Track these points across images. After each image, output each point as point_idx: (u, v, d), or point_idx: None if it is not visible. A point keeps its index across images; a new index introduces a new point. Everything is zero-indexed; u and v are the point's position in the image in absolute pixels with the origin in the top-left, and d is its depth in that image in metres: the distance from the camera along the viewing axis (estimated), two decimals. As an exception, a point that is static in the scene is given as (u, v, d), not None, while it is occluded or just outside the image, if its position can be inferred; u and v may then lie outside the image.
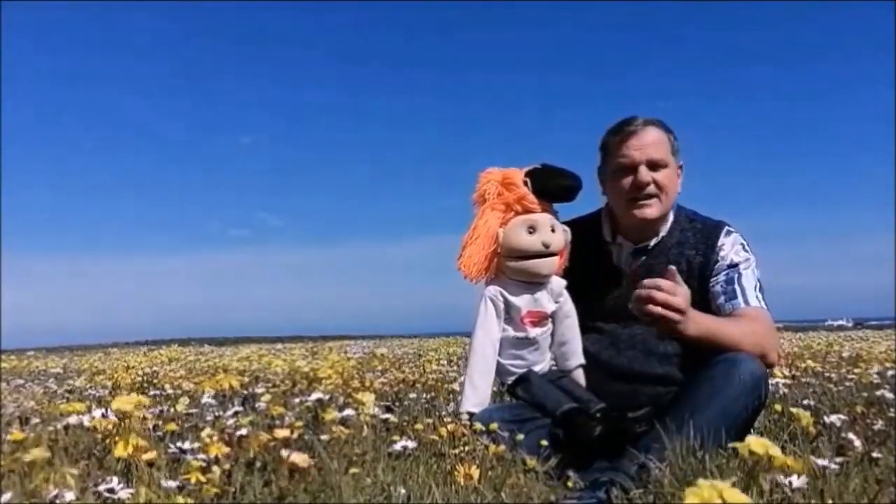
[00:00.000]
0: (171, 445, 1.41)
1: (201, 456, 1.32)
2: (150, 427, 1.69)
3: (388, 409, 2.10)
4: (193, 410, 2.15)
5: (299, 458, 1.22)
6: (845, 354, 5.89)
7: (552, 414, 1.81)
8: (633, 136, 1.95)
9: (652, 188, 1.93)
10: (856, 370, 3.80)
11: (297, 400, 2.18)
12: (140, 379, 4.73)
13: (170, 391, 3.23)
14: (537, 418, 1.84)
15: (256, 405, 2.19)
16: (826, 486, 1.18)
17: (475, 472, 1.44)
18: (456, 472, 1.45)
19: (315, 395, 2.01)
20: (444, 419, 1.84)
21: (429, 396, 2.95)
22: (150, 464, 1.34)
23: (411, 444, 1.58)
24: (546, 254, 1.86)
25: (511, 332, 1.91)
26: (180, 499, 1.15)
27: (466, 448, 1.61)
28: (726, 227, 2.01)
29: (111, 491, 1.18)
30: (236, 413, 1.96)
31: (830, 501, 1.16)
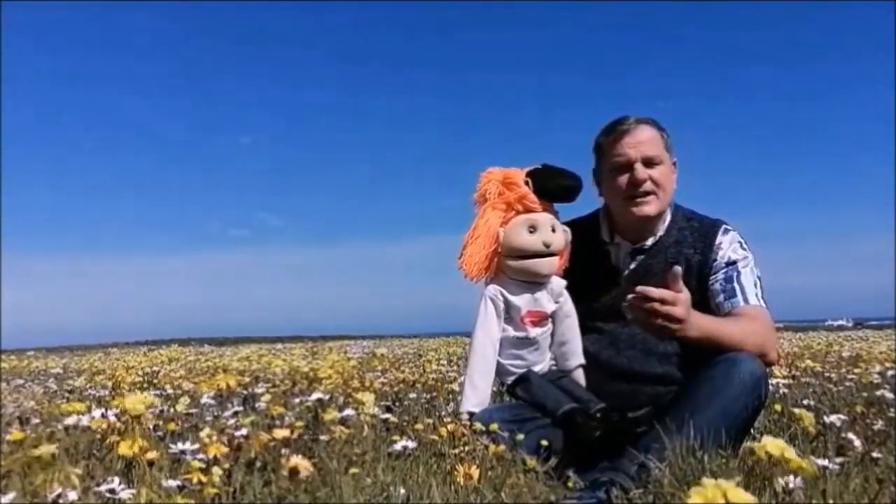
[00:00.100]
0: (172, 445, 1.40)
1: (201, 456, 1.31)
2: (151, 427, 1.68)
3: (388, 409, 2.10)
4: (193, 410, 2.15)
5: (302, 465, 1.22)
6: (845, 354, 5.89)
7: (552, 414, 1.81)
8: (626, 134, 1.95)
9: (649, 185, 1.93)
10: (856, 370, 3.80)
11: (297, 400, 2.18)
12: (140, 379, 4.73)
13: (170, 391, 3.24)
14: (537, 418, 1.84)
15: (256, 405, 2.19)
16: (826, 486, 1.18)
17: (475, 472, 1.44)
18: (456, 472, 1.44)
19: (315, 395, 2.01)
20: (444, 419, 1.84)
21: (429, 396, 2.95)
22: (152, 464, 1.34)
23: (411, 444, 1.58)
24: (546, 253, 1.87)
25: (511, 332, 1.91)
26: (181, 499, 1.15)
27: (466, 448, 1.61)
28: (724, 226, 2.01)
29: (112, 491, 1.18)
30: (236, 413, 1.96)
31: (831, 501, 1.16)
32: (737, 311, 1.89)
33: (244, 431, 1.46)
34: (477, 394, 1.85)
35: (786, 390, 2.66)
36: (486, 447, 1.60)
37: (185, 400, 2.37)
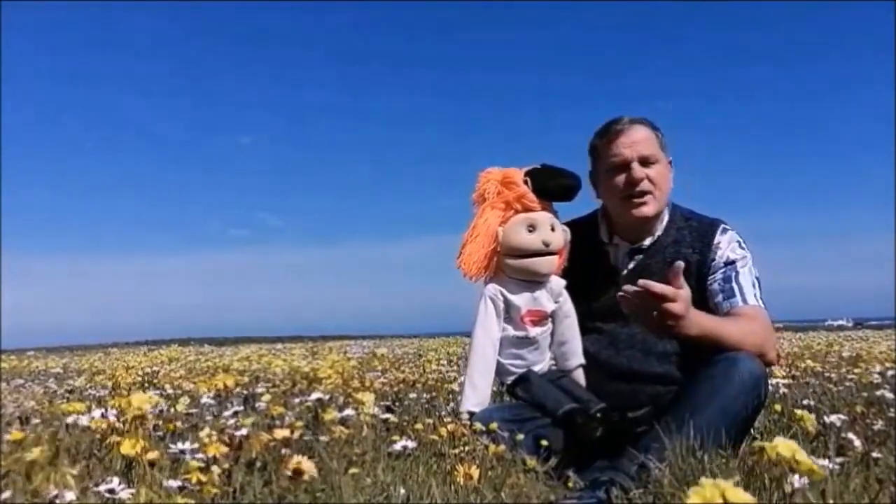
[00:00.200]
0: (172, 445, 1.40)
1: (200, 456, 1.31)
2: (151, 427, 1.68)
3: (388, 409, 2.10)
4: (193, 410, 2.15)
5: (306, 465, 1.22)
6: (845, 354, 5.89)
7: (553, 414, 1.81)
8: (621, 134, 1.96)
9: (646, 184, 1.93)
10: (856, 370, 3.80)
11: (297, 400, 2.18)
12: (140, 379, 4.74)
13: (170, 391, 3.24)
14: (537, 418, 1.83)
15: (256, 405, 2.19)
16: (826, 486, 1.18)
17: (475, 472, 1.44)
18: (456, 472, 1.44)
19: (315, 395, 2.01)
20: (444, 419, 1.84)
21: (429, 396, 2.95)
22: (152, 464, 1.34)
23: (411, 444, 1.58)
24: (546, 252, 1.87)
25: (511, 332, 1.91)
26: (181, 499, 1.15)
27: (466, 448, 1.61)
28: (722, 225, 2.01)
29: (112, 491, 1.18)
30: (236, 413, 1.96)
31: (831, 501, 1.16)
32: (735, 311, 1.89)
33: (244, 431, 1.46)
34: (477, 393, 1.85)
35: (786, 390, 2.66)
36: (486, 447, 1.60)
37: (185, 400, 2.37)
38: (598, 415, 1.78)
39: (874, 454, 1.52)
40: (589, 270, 2.02)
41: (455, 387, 3.24)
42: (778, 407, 2.22)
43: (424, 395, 2.94)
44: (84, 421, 1.58)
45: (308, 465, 1.23)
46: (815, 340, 10.42)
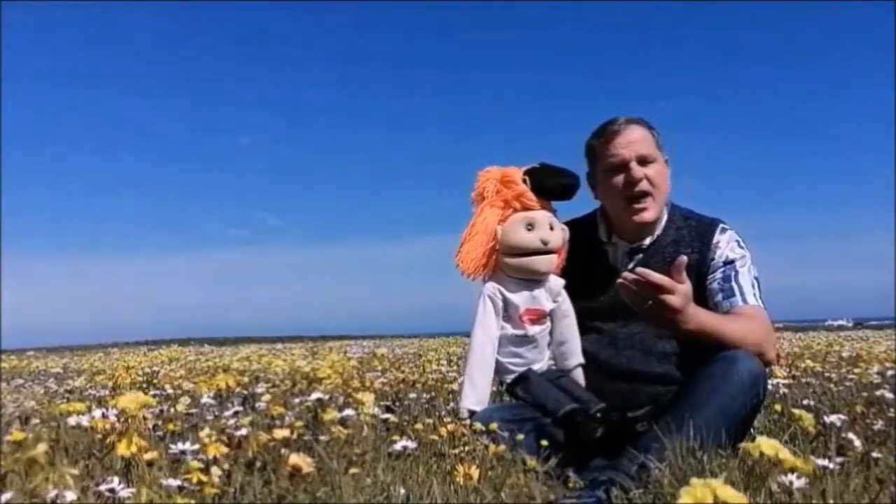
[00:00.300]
0: (172, 445, 1.40)
1: (200, 456, 1.31)
2: (150, 427, 1.68)
3: (388, 409, 2.10)
4: (193, 410, 2.15)
5: (303, 462, 1.22)
6: (845, 354, 5.89)
7: (553, 414, 1.81)
8: (618, 134, 1.96)
9: (645, 184, 1.94)
10: (856, 370, 3.80)
11: (297, 400, 2.17)
12: (140, 379, 4.73)
13: (170, 391, 3.23)
14: (537, 418, 1.83)
15: (256, 405, 2.19)
16: (827, 486, 1.18)
17: (475, 472, 1.44)
18: (456, 472, 1.44)
19: (315, 395, 2.01)
20: (444, 419, 1.84)
21: (429, 396, 2.95)
22: (151, 464, 1.34)
23: (411, 444, 1.58)
24: (544, 251, 1.87)
25: (510, 330, 1.91)
26: (180, 499, 1.15)
27: (466, 448, 1.61)
28: (721, 225, 2.02)
29: (112, 491, 1.18)
30: (236, 413, 1.96)
31: (831, 501, 1.16)
32: (735, 311, 1.89)
33: (244, 431, 1.46)
34: (476, 392, 1.85)
35: (786, 390, 2.66)
36: (486, 447, 1.60)
37: (185, 400, 2.37)
38: (598, 415, 1.78)
39: (874, 454, 1.52)
40: (588, 270, 2.02)
41: (455, 387, 3.24)
42: (778, 407, 2.22)
43: (424, 395, 2.94)
44: (84, 421, 1.57)
45: (305, 461, 1.23)
46: (815, 340, 10.42)
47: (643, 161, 1.94)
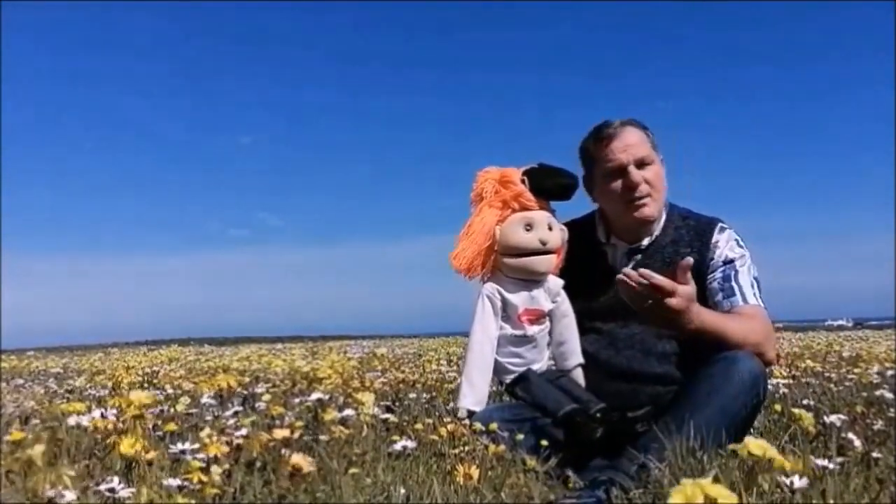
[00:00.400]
0: (172, 445, 1.41)
1: (201, 456, 1.31)
2: (151, 427, 1.68)
3: (388, 409, 2.10)
4: (193, 410, 2.15)
5: (304, 462, 1.22)
6: (845, 354, 5.90)
7: (553, 414, 1.81)
8: (614, 138, 1.95)
9: (644, 188, 1.93)
10: (856, 370, 3.80)
11: (297, 400, 2.18)
12: (140, 379, 4.73)
13: (170, 391, 3.24)
14: (537, 418, 1.83)
15: (256, 405, 2.19)
16: (827, 486, 1.18)
17: (475, 472, 1.44)
18: (456, 472, 1.44)
19: (315, 395, 2.01)
20: (444, 419, 1.84)
21: (429, 396, 2.95)
22: (151, 463, 1.34)
23: (411, 444, 1.58)
24: (543, 251, 1.87)
25: (509, 330, 1.91)
26: (181, 498, 1.15)
27: (466, 448, 1.61)
28: (720, 224, 2.01)
29: (112, 490, 1.18)
30: (236, 413, 1.96)
31: (831, 501, 1.16)
32: (735, 311, 1.89)
33: (244, 431, 1.46)
34: (474, 391, 1.85)
35: (786, 390, 2.66)
36: (486, 447, 1.60)
37: (185, 400, 2.37)
38: (598, 415, 1.78)
39: (874, 454, 1.52)
40: (587, 270, 2.02)
41: (455, 387, 3.24)
42: (778, 407, 2.22)
43: (424, 395, 2.94)
44: (84, 421, 1.57)
45: (306, 462, 1.23)
46: (815, 340, 10.42)
47: (641, 164, 1.94)
